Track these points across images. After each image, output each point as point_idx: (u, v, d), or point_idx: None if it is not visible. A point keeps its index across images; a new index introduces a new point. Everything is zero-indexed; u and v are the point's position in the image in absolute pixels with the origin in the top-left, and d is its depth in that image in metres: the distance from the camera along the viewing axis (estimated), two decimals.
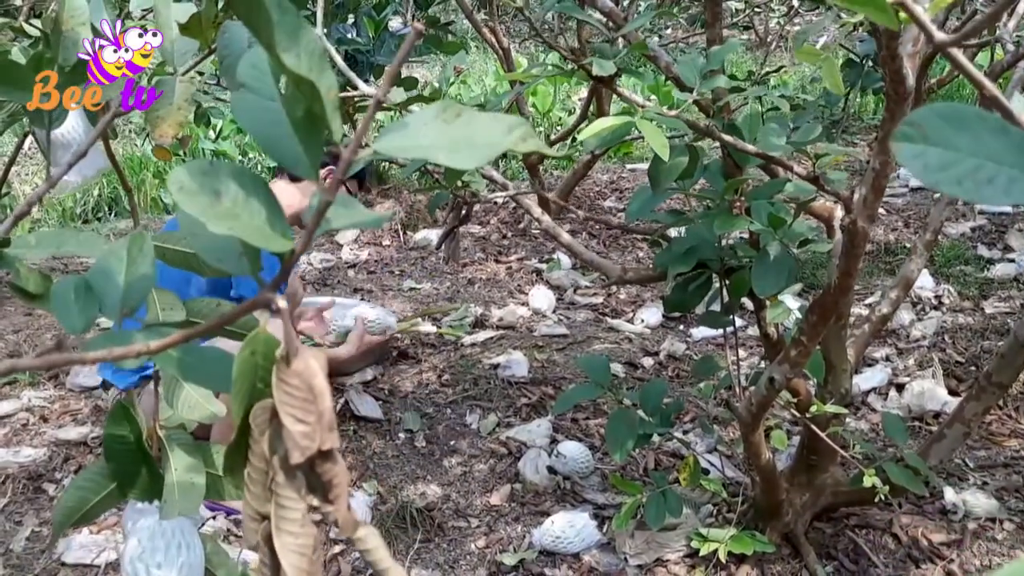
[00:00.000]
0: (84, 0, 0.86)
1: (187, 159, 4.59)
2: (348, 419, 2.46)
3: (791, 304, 1.76)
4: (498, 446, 2.38)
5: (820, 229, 1.69)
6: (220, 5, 0.94)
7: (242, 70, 0.46)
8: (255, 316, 0.63)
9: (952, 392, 2.49)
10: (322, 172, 2.04)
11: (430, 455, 2.35)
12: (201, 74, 0.99)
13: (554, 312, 3.19)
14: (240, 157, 4.90)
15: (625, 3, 3.52)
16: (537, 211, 1.74)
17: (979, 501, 2.02)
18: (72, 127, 1.22)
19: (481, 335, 2.97)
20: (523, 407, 2.54)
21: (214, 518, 2.07)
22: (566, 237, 1.73)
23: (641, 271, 1.81)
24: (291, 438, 0.43)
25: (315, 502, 0.45)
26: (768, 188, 1.58)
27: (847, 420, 2.17)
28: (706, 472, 2.06)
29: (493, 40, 3.83)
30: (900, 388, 2.55)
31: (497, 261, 3.72)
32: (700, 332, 2.99)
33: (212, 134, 4.97)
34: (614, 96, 2.27)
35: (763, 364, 2.01)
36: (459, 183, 1.82)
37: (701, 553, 1.81)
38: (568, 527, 1.96)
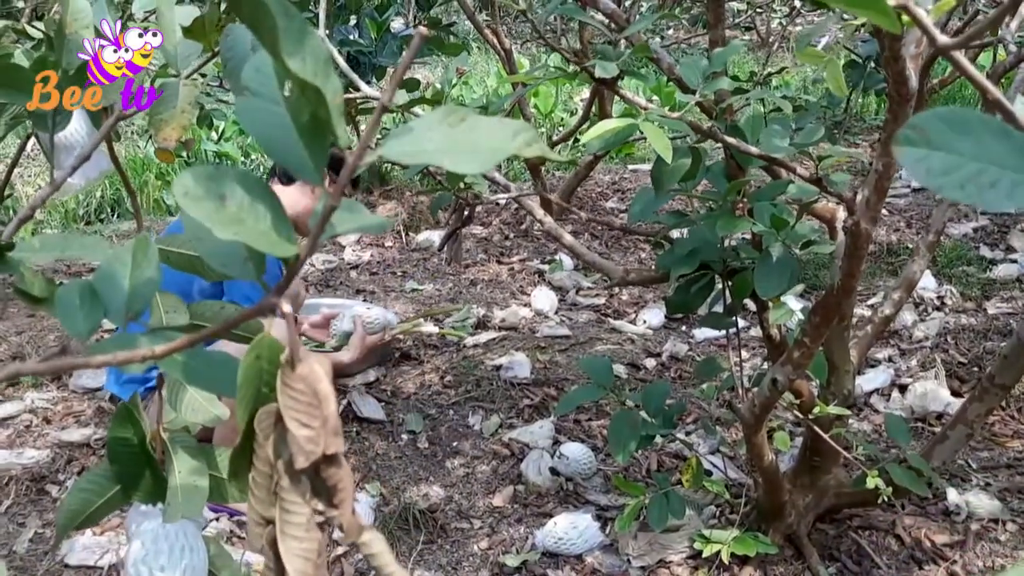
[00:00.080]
0: (87, 3, 0.86)
1: (189, 161, 4.60)
2: (351, 420, 2.46)
3: (794, 305, 1.76)
4: (500, 447, 2.38)
5: (823, 230, 1.69)
6: (223, 8, 0.95)
7: (247, 74, 0.46)
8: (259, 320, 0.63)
9: (955, 393, 2.49)
10: None
11: (433, 456, 2.35)
12: (204, 76, 0.99)
13: (556, 313, 3.19)
14: (242, 159, 4.91)
15: (627, 4, 3.52)
16: (539, 212, 1.74)
17: (982, 502, 2.01)
18: (75, 130, 1.22)
19: (483, 336, 2.97)
20: (525, 408, 2.55)
21: (217, 519, 2.07)
22: (568, 238, 1.73)
23: (643, 272, 1.81)
24: (296, 442, 0.44)
25: (320, 506, 0.45)
26: (771, 189, 1.58)
27: (850, 421, 2.16)
28: (709, 473, 2.06)
29: (495, 41, 3.83)
30: (903, 389, 2.55)
31: (499, 262, 3.72)
32: (702, 333, 2.99)
33: (215, 136, 4.98)
34: (616, 97, 2.27)
35: (766, 365, 2.01)
36: (461, 185, 1.83)
37: (704, 554, 1.81)
38: (571, 528, 1.96)
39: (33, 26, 1.27)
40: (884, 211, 3.84)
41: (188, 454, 0.79)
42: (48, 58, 0.83)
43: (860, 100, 5.49)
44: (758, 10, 6.57)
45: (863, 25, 1.78)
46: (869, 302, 3.03)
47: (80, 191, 4.14)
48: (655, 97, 5.61)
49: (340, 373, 2.56)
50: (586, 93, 5.32)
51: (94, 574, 1.90)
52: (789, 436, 1.87)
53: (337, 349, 2.49)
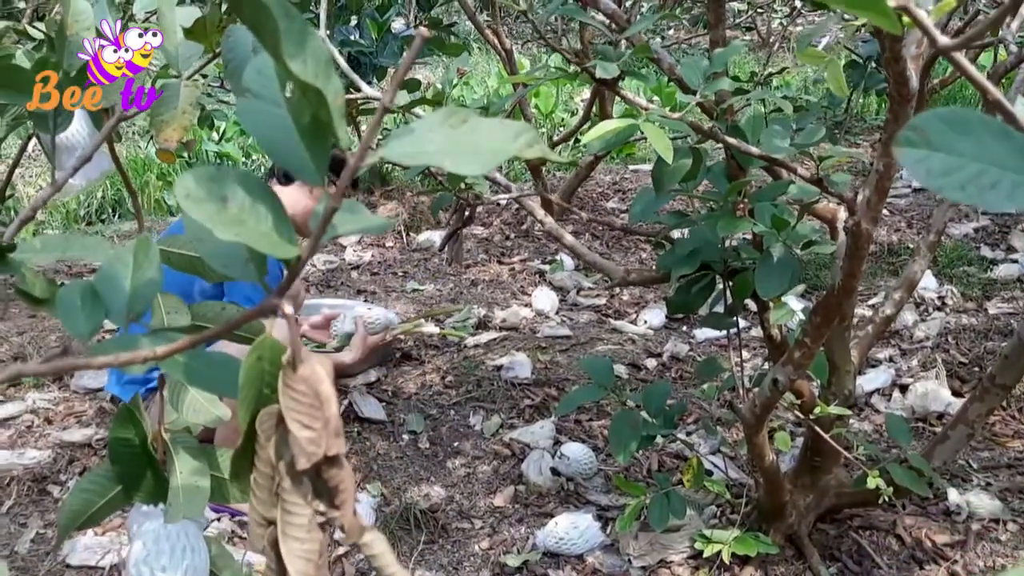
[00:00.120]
0: (89, 4, 0.86)
1: (190, 162, 4.60)
2: (352, 421, 2.46)
3: (794, 305, 1.76)
4: (501, 447, 2.38)
5: (823, 231, 1.69)
6: (224, 9, 0.95)
7: (248, 76, 0.46)
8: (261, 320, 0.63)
9: (955, 393, 2.49)
10: None
11: (434, 457, 2.36)
12: (205, 77, 0.99)
13: (557, 313, 3.19)
14: (243, 160, 4.91)
15: (627, 5, 3.52)
16: (540, 212, 1.74)
17: (983, 502, 2.01)
18: (76, 130, 1.22)
19: (484, 336, 2.97)
20: (526, 408, 2.55)
21: (218, 520, 2.07)
22: (569, 238, 1.73)
23: (644, 273, 1.81)
24: (297, 444, 0.44)
25: (321, 507, 0.45)
26: (771, 190, 1.58)
27: (851, 421, 2.16)
28: (710, 473, 2.06)
29: (496, 42, 3.83)
30: (904, 389, 2.55)
31: (500, 262, 3.72)
32: (703, 333, 2.99)
33: (216, 136, 4.98)
34: (617, 98, 2.27)
35: (767, 366, 2.01)
36: (462, 185, 1.83)
37: (705, 554, 1.81)
38: (572, 528, 1.96)
39: (34, 27, 1.27)
40: (885, 211, 3.84)
41: (189, 455, 0.79)
42: (49, 59, 0.83)
43: (861, 100, 5.49)
44: (759, 10, 6.58)
45: (864, 26, 1.78)
46: (870, 302, 3.03)
47: (81, 192, 4.15)
48: (656, 97, 5.61)
49: (341, 373, 2.56)
50: (587, 93, 5.32)
51: (95, 574, 1.90)
52: (790, 436, 1.87)
53: (339, 350, 2.49)
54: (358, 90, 1.46)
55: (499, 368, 2.73)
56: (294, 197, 2.29)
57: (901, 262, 3.41)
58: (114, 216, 4.36)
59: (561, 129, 5.32)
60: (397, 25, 4.35)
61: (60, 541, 1.97)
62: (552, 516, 2.05)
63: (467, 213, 1.89)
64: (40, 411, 2.52)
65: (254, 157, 4.90)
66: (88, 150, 0.83)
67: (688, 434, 2.38)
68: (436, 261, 3.75)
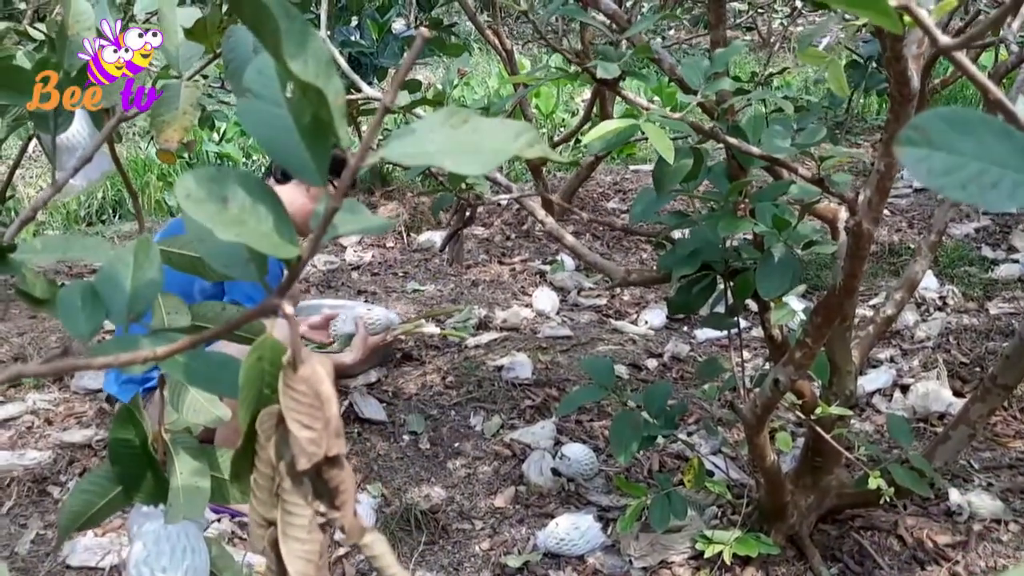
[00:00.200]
0: (89, 5, 0.86)
1: (191, 163, 4.60)
2: (352, 421, 2.46)
3: (795, 306, 1.76)
4: (502, 448, 2.38)
5: (824, 231, 1.69)
6: (225, 10, 0.95)
7: (249, 76, 0.46)
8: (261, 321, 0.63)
9: (957, 393, 2.49)
10: None
11: (434, 457, 2.35)
12: (205, 77, 0.99)
13: (558, 314, 3.19)
14: (244, 160, 4.91)
15: (628, 5, 3.52)
16: (541, 213, 1.74)
17: (984, 502, 2.01)
18: (77, 131, 1.22)
19: (485, 337, 2.97)
20: (527, 409, 2.54)
21: (219, 520, 2.07)
22: (570, 239, 1.73)
23: (645, 273, 1.81)
24: (298, 444, 0.44)
25: (321, 508, 0.45)
26: (772, 190, 1.58)
27: (852, 422, 2.16)
28: (711, 474, 2.06)
29: (496, 42, 3.83)
30: (905, 389, 2.55)
31: (501, 263, 3.72)
32: (704, 334, 2.99)
33: (216, 137, 4.98)
34: (617, 98, 2.27)
35: (767, 366, 2.01)
36: (463, 185, 1.83)
37: (706, 555, 1.81)
38: (572, 529, 1.96)
39: (35, 28, 1.27)
40: (886, 211, 3.84)
41: (190, 455, 0.79)
42: (49, 59, 0.83)
43: (862, 100, 5.49)
44: (759, 11, 6.57)
45: (864, 25, 1.78)
46: (871, 302, 3.03)
47: (82, 192, 4.15)
48: (656, 98, 5.61)
49: (342, 374, 2.56)
50: (587, 94, 5.32)
51: (96, 575, 1.90)
52: (791, 437, 1.87)
53: (339, 350, 2.49)
54: (359, 91, 1.46)
55: (500, 368, 2.73)
56: (290, 195, 2.29)
57: (902, 262, 3.41)
58: (115, 217, 4.36)
59: (562, 129, 5.31)
60: (398, 26, 4.35)
61: (60, 542, 1.97)
62: (553, 517, 2.04)
63: (468, 213, 1.89)
64: (40, 412, 2.52)
65: (255, 158, 4.90)
66: (88, 151, 0.83)
67: (689, 434, 2.38)
68: (437, 261, 3.74)
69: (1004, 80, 2.10)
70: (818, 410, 1.68)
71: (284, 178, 2.34)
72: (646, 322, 3.10)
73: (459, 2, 3.80)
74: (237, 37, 0.79)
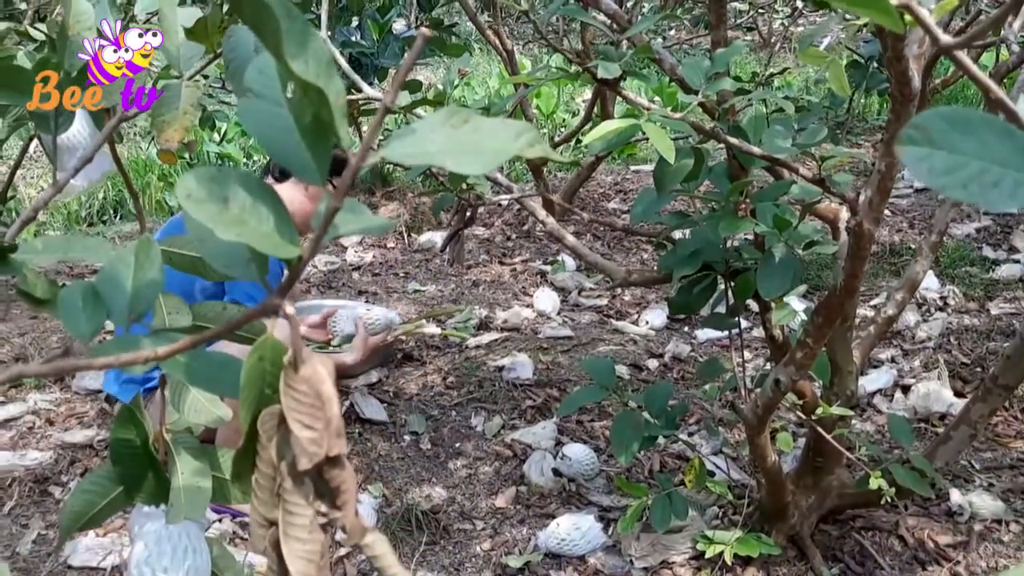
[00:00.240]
0: (90, 5, 0.86)
1: (192, 163, 4.60)
2: (353, 422, 2.46)
3: (796, 306, 1.76)
4: (503, 448, 2.38)
5: (825, 231, 1.69)
6: (225, 10, 0.95)
7: (249, 76, 0.46)
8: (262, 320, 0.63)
9: (958, 394, 2.48)
10: None
11: (435, 457, 2.35)
12: (206, 77, 0.99)
13: (559, 314, 3.19)
14: (245, 160, 4.91)
15: (629, 5, 3.52)
16: (541, 213, 1.74)
17: (985, 503, 2.01)
18: (77, 131, 1.22)
19: (486, 337, 2.97)
20: (528, 409, 2.54)
21: (220, 521, 2.07)
22: (570, 239, 1.73)
23: (646, 273, 1.81)
24: (299, 444, 0.44)
25: (323, 508, 0.45)
26: (773, 190, 1.58)
27: (853, 422, 2.16)
28: (712, 474, 2.06)
29: (497, 42, 3.83)
30: (906, 390, 2.54)
31: (501, 263, 3.72)
32: (705, 334, 2.99)
33: (217, 137, 4.98)
34: (618, 98, 2.27)
35: (768, 366, 2.01)
36: (463, 185, 1.82)
37: (707, 555, 1.81)
38: (573, 529, 1.96)
39: (35, 28, 1.27)
40: (887, 211, 3.84)
41: (191, 455, 0.79)
42: (50, 59, 0.83)
43: (863, 100, 5.49)
44: (760, 11, 6.57)
45: (865, 25, 1.78)
46: (872, 303, 3.03)
47: (83, 193, 4.15)
48: (657, 98, 5.60)
49: (343, 374, 2.56)
50: (588, 94, 5.32)
51: (97, 575, 1.90)
52: (792, 437, 1.86)
53: (339, 349, 2.49)
54: (359, 91, 1.46)
55: (501, 369, 2.73)
56: (288, 194, 2.29)
57: (903, 262, 3.41)
58: (115, 217, 4.37)
59: (563, 129, 5.31)
60: (398, 26, 4.36)
61: (61, 542, 1.97)
62: (554, 517, 2.04)
63: (468, 214, 1.89)
64: (41, 412, 2.52)
65: (255, 158, 4.90)
66: (89, 151, 0.83)
67: (690, 435, 2.38)
68: (437, 262, 3.74)
69: (1005, 80, 2.10)
70: (819, 410, 1.67)
71: (282, 176, 2.34)
72: (647, 322, 3.10)
73: (460, 2, 3.80)
74: (238, 37, 0.79)
